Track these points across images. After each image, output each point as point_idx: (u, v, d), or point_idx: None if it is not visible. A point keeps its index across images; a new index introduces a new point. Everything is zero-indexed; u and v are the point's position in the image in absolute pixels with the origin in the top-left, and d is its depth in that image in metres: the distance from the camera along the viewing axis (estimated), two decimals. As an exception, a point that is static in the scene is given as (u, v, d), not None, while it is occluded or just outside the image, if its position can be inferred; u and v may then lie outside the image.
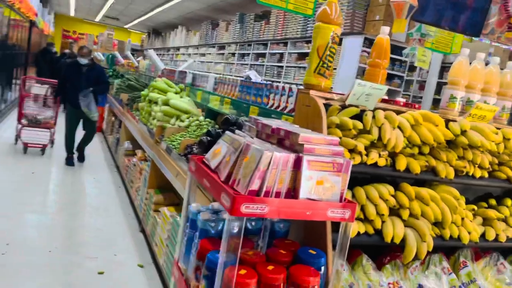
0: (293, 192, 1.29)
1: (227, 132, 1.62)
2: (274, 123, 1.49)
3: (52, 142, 6.65)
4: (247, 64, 10.82)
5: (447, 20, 3.65)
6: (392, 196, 1.67)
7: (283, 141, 1.38)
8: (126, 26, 23.76)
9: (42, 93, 6.73)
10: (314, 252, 1.42)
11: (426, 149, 1.78)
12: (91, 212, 4.68)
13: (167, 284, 3.18)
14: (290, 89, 2.79)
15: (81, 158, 6.41)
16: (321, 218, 1.26)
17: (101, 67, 6.96)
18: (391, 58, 7.08)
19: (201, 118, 4.29)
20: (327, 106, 1.74)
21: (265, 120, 1.52)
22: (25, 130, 6.42)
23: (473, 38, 7.33)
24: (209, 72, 12.54)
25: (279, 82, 8.85)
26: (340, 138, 1.62)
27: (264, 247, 1.54)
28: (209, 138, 2.80)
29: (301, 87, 2.98)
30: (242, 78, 3.74)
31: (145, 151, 4.76)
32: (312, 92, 1.69)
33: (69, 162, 6.16)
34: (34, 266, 3.28)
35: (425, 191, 1.71)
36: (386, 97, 2.01)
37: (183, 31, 16.55)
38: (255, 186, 1.23)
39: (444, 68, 8.50)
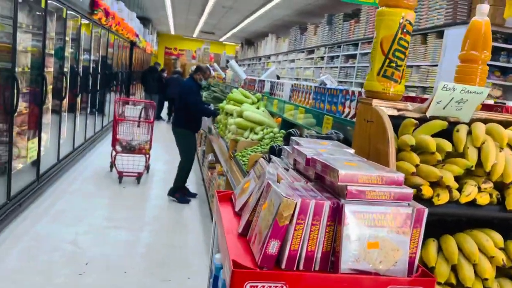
0: (332, 256, 0.87)
1: (260, 159, 1.25)
2: (316, 148, 1.08)
3: (147, 168, 6.31)
4: (336, 67, 10.24)
5: None
6: (501, 249, 1.14)
7: (324, 178, 0.97)
8: (221, 40, 24.60)
9: (136, 115, 6.60)
10: None
11: (555, 177, 1.20)
12: (172, 229, 4.61)
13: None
14: (353, 92, 2.32)
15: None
16: (375, 301, 0.82)
17: None
18: (505, 49, 6.00)
19: (276, 129, 3.96)
20: (399, 119, 1.27)
21: (306, 144, 1.12)
22: (119, 157, 6.04)
23: None
24: (297, 78, 12.20)
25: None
26: (417, 166, 1.14)
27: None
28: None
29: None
30: (316, 84, 3.32)
31: (222, 165, 4.57)
32: (375, 102, 1.24)
33: (184, 199, 5.43)
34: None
35: (555, 242, 1.14)
36: (491, 102, 1.46)
37: (273, 39, 16.48)
38: (272, 249, 0.84)
39: None
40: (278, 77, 6.46)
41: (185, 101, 5.20)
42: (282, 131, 3.91)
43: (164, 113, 13.59)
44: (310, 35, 12.16)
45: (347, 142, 2.29)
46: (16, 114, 4.03)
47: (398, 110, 1.28)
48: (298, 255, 0.84)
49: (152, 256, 3.88)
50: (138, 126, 6.39)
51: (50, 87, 5.20)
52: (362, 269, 0.84)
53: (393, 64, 1.23)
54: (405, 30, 1.22)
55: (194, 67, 5.67)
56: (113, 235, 4.22)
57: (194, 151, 5.54)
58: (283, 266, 0.83)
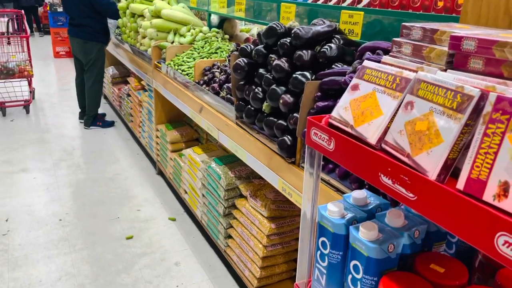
0: None
1: (368, 63, 0.89)
2: (468, 32, 0.75)
3: (33, 93, 5.26)
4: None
5: None
6: None
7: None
8: None
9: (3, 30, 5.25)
10: None
11: None
12: (94, 158, 3.99)
13: (211, 237, 2.66)
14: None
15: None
16: None
17: None
18: None
19: (205, 28, 3.41)
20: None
21: (447, 29, 0.78)
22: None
23: None
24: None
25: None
26: None
27: None
28: (246, 60, 2.01)
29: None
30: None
31: (141, 79, 3.93)
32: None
33: (108, 122, 4.77)
34: (47, 244, 2.69)
35: None
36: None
37: None
38: None
39: None
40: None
41: (94, 5, 4.26)
42: (214, 29, 3.38)
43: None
44: None
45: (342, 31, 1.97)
46: None
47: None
48: None
49: (84, 194, 3.33)
50: (9, 43, 5.12)
51: None
52: None
53: None
54: None
55: None
56: (25, 180, 3.50)
57: (103, 68, 4.68)
58: None
